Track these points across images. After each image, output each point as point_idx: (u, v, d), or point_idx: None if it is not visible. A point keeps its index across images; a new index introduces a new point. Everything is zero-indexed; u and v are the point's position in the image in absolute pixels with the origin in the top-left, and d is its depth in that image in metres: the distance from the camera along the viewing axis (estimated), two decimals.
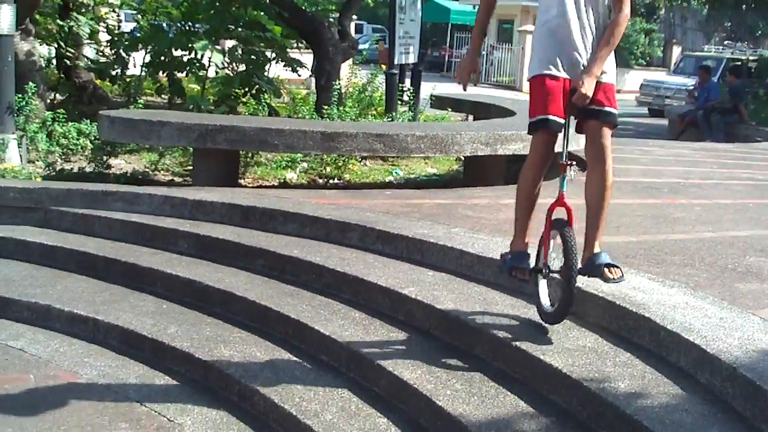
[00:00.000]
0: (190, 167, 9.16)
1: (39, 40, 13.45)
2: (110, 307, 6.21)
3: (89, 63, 14.86)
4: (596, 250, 4.83)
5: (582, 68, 4.67)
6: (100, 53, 15.07)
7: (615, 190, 8.83)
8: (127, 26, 16.90)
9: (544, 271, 4.87)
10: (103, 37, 15.29)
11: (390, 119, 11.68)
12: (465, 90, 4.99)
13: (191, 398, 5.13)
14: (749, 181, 10.65)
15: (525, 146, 8.79)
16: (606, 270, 4.71)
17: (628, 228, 7.11)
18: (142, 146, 10.01)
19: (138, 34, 14.55)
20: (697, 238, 6.86)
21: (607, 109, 4.72)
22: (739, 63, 24.54)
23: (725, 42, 39.73)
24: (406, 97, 13.16)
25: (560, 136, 4.78)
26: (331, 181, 9.44)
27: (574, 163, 4.98)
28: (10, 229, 7.65)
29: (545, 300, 4.93)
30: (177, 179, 9.37)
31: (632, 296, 4.97)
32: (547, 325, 4.87)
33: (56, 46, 14.43)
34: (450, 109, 13.54)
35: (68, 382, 5.33)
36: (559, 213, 4.78)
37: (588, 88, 4.57)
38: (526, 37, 37.18)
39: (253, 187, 8.83)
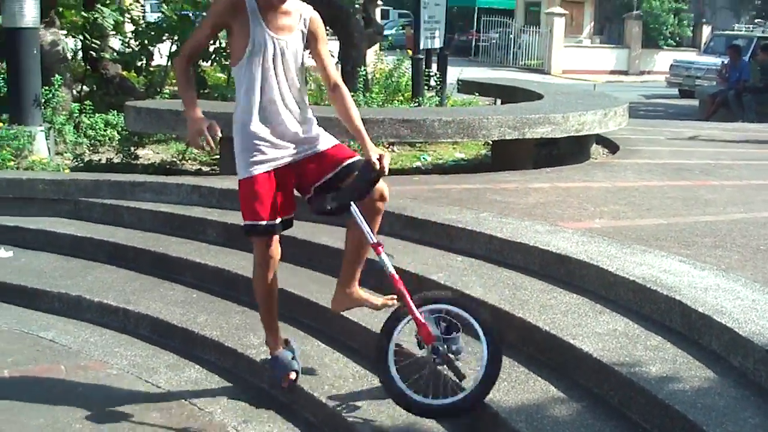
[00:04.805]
0: (217, 156, 9.15)
1: (64, 32, 13.47)
2: (140, 296, 6.23)
3: (115, 54, 14.88)
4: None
5: (294, 149, 4.53)
6: (126, 44, 15.08)
7: (646, 172, 8.89)
8: (152, 16, 16.90)
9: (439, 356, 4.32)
10: (129, 28, 15.29)
11: (417, 105, 11.64)
12: (202, 150, 4.58)
13: (221, 387, 5.13)
14: None
15: (553, 129, 8.81)
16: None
17: (659, 210, 7.06)
18: (168, 136, 10.03)
19: (163, 25, 14.54)
20: (728, 220, 6.80)
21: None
22: None
23: (756, 20, 39.26)
24: (432, 82, 13.09)
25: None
26: None
27: (382, 243, 4.54)
28: (40, 220, 7.71)
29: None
30: (204, 168, 9.38)
31: (663, 279, 4.93)
32: (574, 322, 4.82)
33: (81, 38, 14.45)
34: (477, 94, 13.46)
35: (99, 372, 5.34)
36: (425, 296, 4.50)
37: (387, 160, 4.44)
38: (553, 19, 36.98)
39: None
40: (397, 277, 4.40)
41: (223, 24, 4.48)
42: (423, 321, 4.31)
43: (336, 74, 4.63)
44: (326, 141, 4.65)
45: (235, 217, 7.05)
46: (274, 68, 4.44)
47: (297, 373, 4.75)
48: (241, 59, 4.43)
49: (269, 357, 4.85)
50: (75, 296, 6.30)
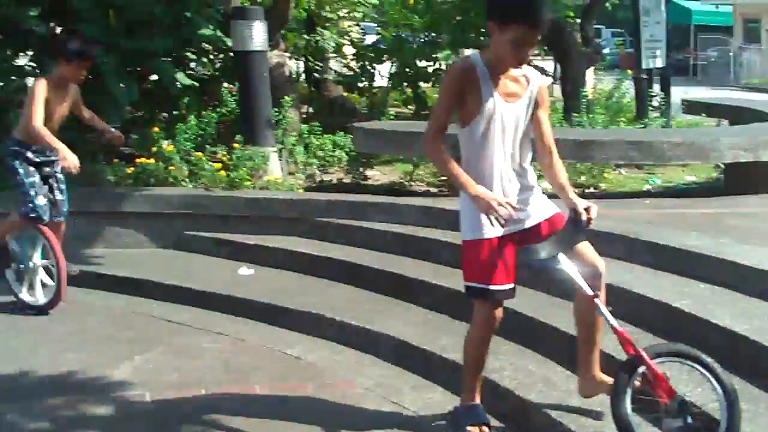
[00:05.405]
0: (444, 177, 9.24)
1: (288, 55, 13.93)
2: (379, 316, 6.35)
3: (336, 76, 15.28)
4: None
5: (515, 219, 4.32)
6: (346, 66, 15.46)
7: None
8: (368, 39, 17.27)
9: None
10: (348, 50, 15.66)
11: (642, 126, 11.45)
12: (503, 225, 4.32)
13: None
14: None
15: None
16: None
17: None
18: (395, 157, 10.20)
19: (382, 46, 14.84)
20: None
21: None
22: None
23: None
24: (655, 103, 12.85)
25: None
26: (586, 191, 9.32)
27: (599, 292, 4.41)
28: (278, 239, 8.01)
29: None
30: (432, 189, 9.49)
31: None
32: None
33: (304, 60, 14.92)
34: (703, 114, 13.10)
35: (345, 391, 5.46)
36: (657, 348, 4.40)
37: (594, 211, 4.33)
38: None
39: None
40: (620, 329, 4.31)
41: (460, 94, 4.35)
42: (662, 374, 4.21)
43: (552, 140, 4.55)
44: (547, 210, 4.57)
45: None
46: (499, 135, 4.37)
47: (489, 427, 4.70)
48: (468, 123, 4.36)
49: (460, 405, 4.82)
50: (316, 314, 6.49)
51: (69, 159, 6.35)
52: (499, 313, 4.53)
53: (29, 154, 6.77)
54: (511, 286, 4.49)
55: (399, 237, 7.53)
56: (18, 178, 6.76)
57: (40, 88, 6.52)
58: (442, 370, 5.57)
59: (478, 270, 4.44)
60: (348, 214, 8.03)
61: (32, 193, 6.73)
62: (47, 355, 6.07)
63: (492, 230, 4.40)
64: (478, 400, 4.78)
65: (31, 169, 6.78)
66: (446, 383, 5.45)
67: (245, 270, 7.56)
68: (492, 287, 4.42)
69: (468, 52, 14.46)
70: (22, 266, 7.05)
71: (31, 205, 6.72)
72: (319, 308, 6.55)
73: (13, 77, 10.04)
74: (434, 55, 13.38)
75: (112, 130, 7.19)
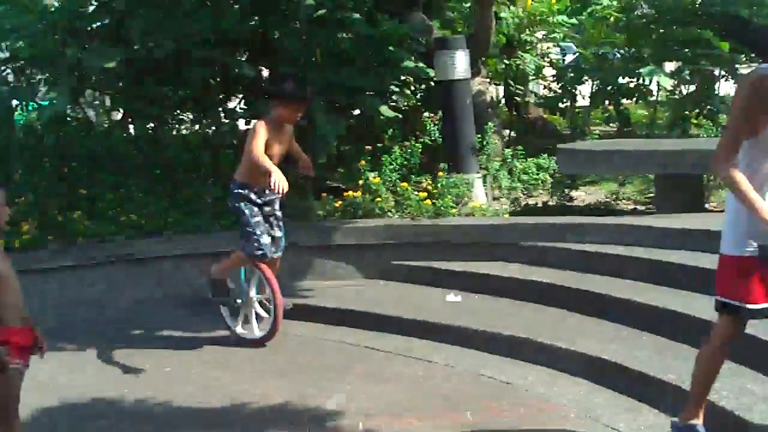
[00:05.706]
0: (651, 195, 9.06)
1: (488, 81, 13.96)
2: (588, 339, 6.29)
3: (537, 99, 15.21)
4: None
5: None
6: (547, 88, 15.38)
7: None
8: (567, 58, 17.10)
9: None
10: (547, 71, 15.56)
11: None
12: None
13: (667, 429, 4.97)
14: None
15: None
16: None
17: None
18: (600, 176, 10.07)
19: (583, 65, 14.66)
20: None
21: None
22: None
23: None
24: None
25: None
26: None
27: None
28: (486, 265, 8.04)
29: None
30: (639, 207, 9.31)
31: None
32: None
33: (504, 84, 14.91)
34: None
35: (558, 416, 5.42)
36: None
37: None
38: None
39: (720, 212, 8.56)
40: None
41: (756, 108, 4.13)
42: None
43: None
44: None
45: (674, 257, 6.93)
46: None
47: None
48: (751, 136, 4.16)
49: (679, 423, 4.64)
50: (525, 338, 6.48)
51: (279, 180, 6.48)
52: (743, 331, 4.42)
53: (252, 196, 7.01)
54: (760, 307, 4.29)
55: (606, 257, 7.41)
56: (244, 218, 7.02)
57: (261, 128, 6.75)
58: (638, 385, 5.50)
59: (735, 286, 4.29)
60: (554, 237, 7.96)
61: (258, 232, 6.97)
62: (262, 386, 6.28)
63: (752, 249, 4.23)
64: (701, 420, 4.59)
65: (255, 209, 7.03)
66: (644, 398, 5.40)
67: (453, 297, 7.61)
68: (748, 306, 4.26)
69: (670, 65, 14.15)
70: (238, 301, 7.34)
71: (256, 244, 6.96)
72: (528, 332, 6.53)
73: (225, 120, 10.47)
74: (637, 71, 13.10)
75: (306, 158, 7.34)
